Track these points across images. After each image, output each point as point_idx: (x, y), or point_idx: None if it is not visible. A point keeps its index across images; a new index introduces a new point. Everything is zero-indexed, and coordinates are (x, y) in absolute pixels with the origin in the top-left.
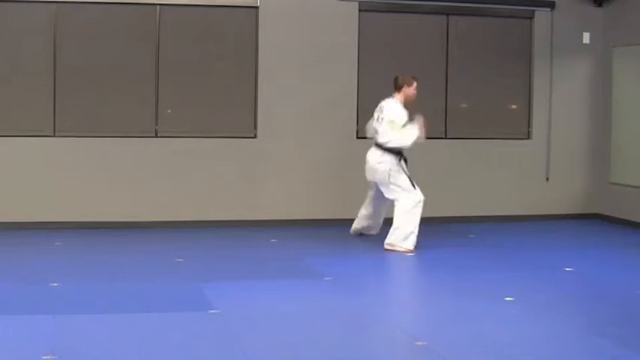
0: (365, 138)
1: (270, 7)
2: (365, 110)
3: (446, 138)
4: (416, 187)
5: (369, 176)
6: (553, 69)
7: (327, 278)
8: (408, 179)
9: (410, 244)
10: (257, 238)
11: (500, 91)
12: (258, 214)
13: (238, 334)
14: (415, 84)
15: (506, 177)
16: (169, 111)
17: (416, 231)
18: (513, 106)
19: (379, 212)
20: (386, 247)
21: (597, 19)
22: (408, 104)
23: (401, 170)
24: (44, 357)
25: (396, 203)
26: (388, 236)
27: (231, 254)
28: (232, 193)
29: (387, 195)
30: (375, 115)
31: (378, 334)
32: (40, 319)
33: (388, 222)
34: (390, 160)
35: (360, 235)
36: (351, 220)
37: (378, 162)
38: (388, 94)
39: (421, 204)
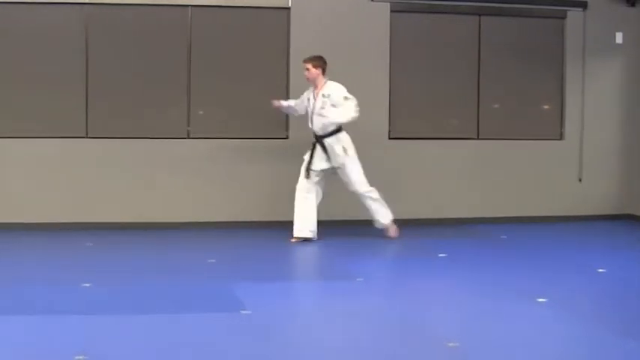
0: (397, 139)
1: (302, 8)
2: (397, 111)
3: (478, 139)
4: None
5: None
6: (585, 69)
7: (358, 279)
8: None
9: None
10: (289, 238)
11: (532, 91)
12: (290, 215)
13: (270, 335)
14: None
15: (539, 178)
16: (201, 112)
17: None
18: (546, 107)
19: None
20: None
21: (630, 19)
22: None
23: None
24: (76, 357)
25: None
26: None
27: (263, 255)
28: (264, 193)
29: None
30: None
31: (410, 334)
32: (72, 319)
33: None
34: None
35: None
36: None
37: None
38: (421, 95)
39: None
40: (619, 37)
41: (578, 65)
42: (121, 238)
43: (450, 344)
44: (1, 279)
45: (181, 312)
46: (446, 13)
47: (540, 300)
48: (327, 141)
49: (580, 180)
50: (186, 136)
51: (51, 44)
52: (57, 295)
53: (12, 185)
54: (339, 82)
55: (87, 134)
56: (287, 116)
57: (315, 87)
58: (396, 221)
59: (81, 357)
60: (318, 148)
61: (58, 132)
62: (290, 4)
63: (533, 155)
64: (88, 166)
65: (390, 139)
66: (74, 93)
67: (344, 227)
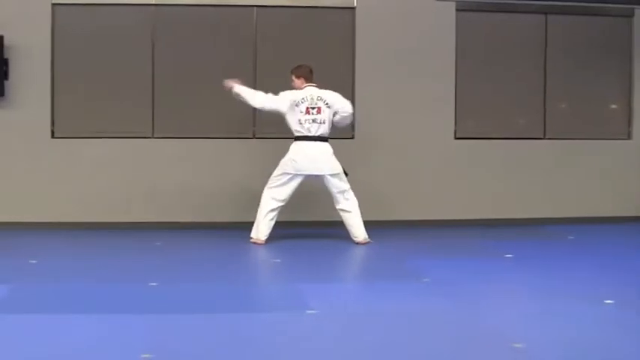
0: (464, 138)
1: (368, 8)
2: (463, 111)
3: (545, 138)
4: None
5: (319, 171)
6: None
7: (425, 279)
8: None
9: None
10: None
11: (599, 90)
12: None
13: (335, 335)
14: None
15: (606, 177)
16: None
17: None
18: (613, 106)
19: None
20: (362, 241)
21: None
22: None
23: None
24: (143, 355)
25: (349, 195)
26: (360, 230)
27: (329, 254)
28: (329, 193)
29: (341, 186)
30: (304, 105)
31: (475, 335)
32: (139, 318)
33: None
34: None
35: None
36: (450, 221)
37: (331, 153)
38: (487, 94)
39: None
40: None
41: None
42: (190, 238)
43: (516, 345)
44: (69, 277)
45: (246, 311)
46: (512, 11)
47: (607, 302)
48: None
49: None
50: (251, 136)
51: (118, 46)
52: (124, 294)
53: (81, 185)
54: (403, 81)
55: (153, 134)
56: (354, 116)
57: None
58: (461, 221)
59: (147, 355)
60: None
61: (124, 132)
62: (355, 4)
63: (600, 155)
64: (155, 166)
65: (456, 138)
66: (141, 93)
67: (413, 227)
